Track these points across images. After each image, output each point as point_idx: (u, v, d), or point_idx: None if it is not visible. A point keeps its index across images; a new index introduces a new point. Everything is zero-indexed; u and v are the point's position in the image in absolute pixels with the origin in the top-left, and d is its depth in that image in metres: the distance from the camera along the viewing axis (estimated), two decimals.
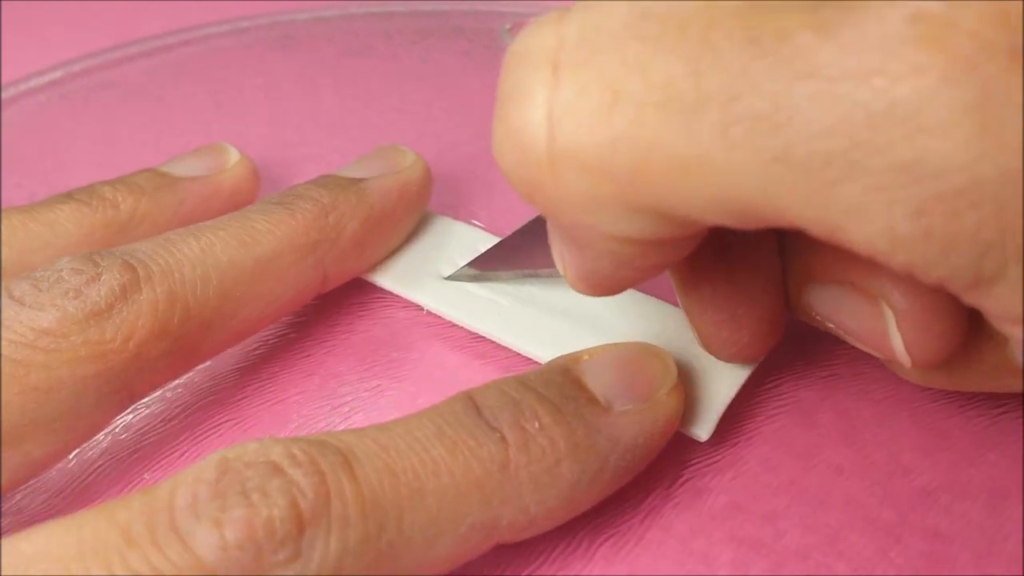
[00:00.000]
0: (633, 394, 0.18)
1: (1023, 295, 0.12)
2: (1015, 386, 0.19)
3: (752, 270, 0.19)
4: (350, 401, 0.22)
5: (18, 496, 0.20)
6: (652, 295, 0.23)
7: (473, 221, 0.26)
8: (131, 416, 0.21)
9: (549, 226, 0.18)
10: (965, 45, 0.11)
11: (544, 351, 0.22)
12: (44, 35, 0.36)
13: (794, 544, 0.19)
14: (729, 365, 0.21)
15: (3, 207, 0.22)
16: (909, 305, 0.17)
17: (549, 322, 0.22)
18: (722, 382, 0.20)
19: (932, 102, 0.11)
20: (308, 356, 0.22)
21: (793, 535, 0.19)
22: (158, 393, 0.22)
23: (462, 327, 0.23)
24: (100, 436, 0.21)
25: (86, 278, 0.18)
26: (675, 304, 0.22)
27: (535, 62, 0.14)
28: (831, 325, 0.19)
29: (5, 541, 0.14)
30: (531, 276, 0.23)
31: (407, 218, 0.24)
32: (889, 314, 0.17)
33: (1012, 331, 0.13)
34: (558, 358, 0.19)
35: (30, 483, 0.20)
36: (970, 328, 0.18)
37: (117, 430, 0.21)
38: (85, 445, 0.21)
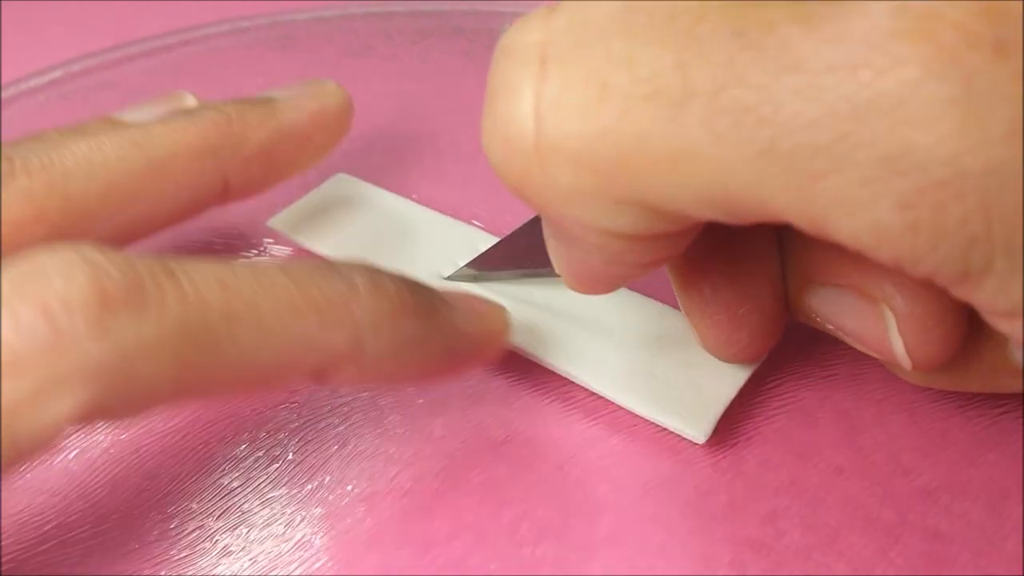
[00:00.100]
0: (474, 308, 0.19)
1: (1012, 289, 0.12)
2: (1015, 386, 0.19)
3: (752, 270, 0.19)
4: (350, 401, 0.22)
5: (16, 495, 0.20)
6: (652, 296, 0.23)
7: (474, 221, 0.26)
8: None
9: (543, 222, 0.18)
10: (949, 38, 0.11)
11: (543, 351, 0.22)
12: (44, 35, 0.36)
13: (794, 544, 0.19)
14: (728, 368, 0.21)
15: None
16: (910, 308, 0.17)
17: (548, 322, 0.22)
18: (720, 385, 0.20)
19: (916, 95, 0.11)
20: None
21: (793, 535, 0.19)
22: None
23: None
24: (100, 436, 0.21)
25: None
26: (674, 306, 0.22)
27: (523, 56, 0.14)
28: (830, 327, 0.19)
29: None
30: (531, 275, 0.23)
31: (322, 139, 0.24)
32: (890, 317, 0.17)
33: (1003, 325, 0.13)
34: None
35: (28, 482, 0.20)
36: (969, 329, 0.18)
37: (117, 430, 0.21)
38: (85, 445, 0.21)
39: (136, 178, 0.20)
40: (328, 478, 0.20)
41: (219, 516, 0.19)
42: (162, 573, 0.18)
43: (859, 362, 0.22)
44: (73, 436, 0.21)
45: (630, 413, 0.21)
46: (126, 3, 0.37)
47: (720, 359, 0.20)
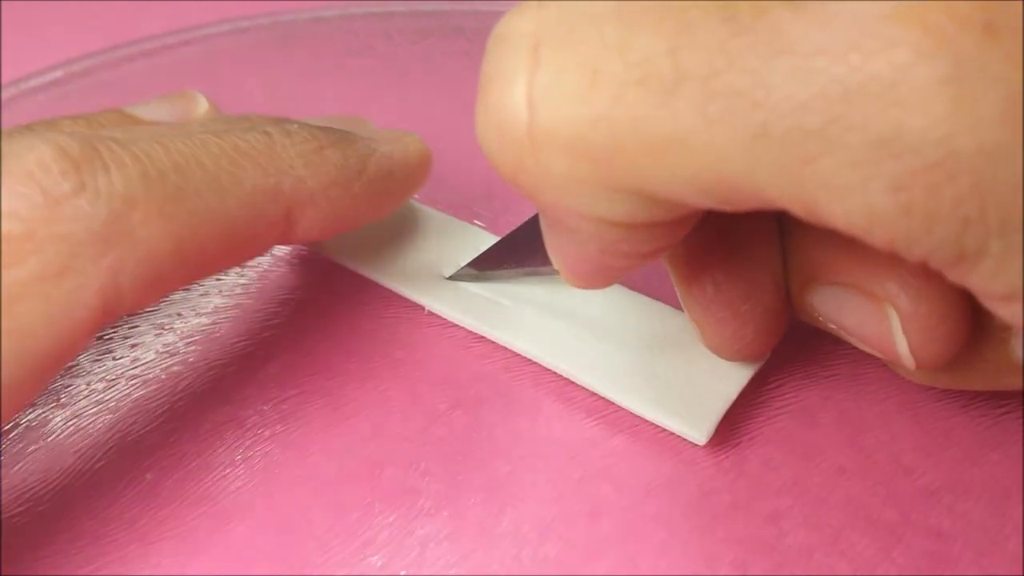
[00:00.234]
0: (383, 134, 0.22)
1: (1008, 271, 0.12)
2: (1016, 384, 0.19)
3: (755, 267, 0.19)
4: (352, 401, 0.22)
5: (24, 493, 0.20)
6: (653, 296, 0.23)
7: (475, 221, 0.26)
8: (134, 417, 0.21)
9: (539, 214, 0.18)
10: (939, 20, 0.11)
11: (544, 351, 0.22)
12: (44, 35, 0.35)
13: (796, 544, 0.19)
14: (729, 369, 0.21)
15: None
16: (915, 308, 0.17)
17: (549, 322, 0.22)
18: (721, 386, 0.20)
19: (907, 77, 0.11)
20: (309, 356, 0.22)
21: (796, 535, 0.19)
22: (159, 395, 0.22)
23: (463, 327, 0.23)
24: (102, 437, 0.21)
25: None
26: (675, 306, 0.22)
27: (515, 44, 0.15)
28: (833, 326, 0.19)
29: None
30: (532, 274, 0.23)
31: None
32: (894, 317, 0.17)
33: (1000, 309, 0.13)
34: None
35: (35, 481, 0.20)
36: (972, 328, 0.18)
37: (118, 427, 0.21)
38: (84, 445, 0.21)
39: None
40: (328, 479, 0.20)
41: (218, 515, 0.19)
42: (163, 573, 0.18)
43: (861, 362, 0.22)
44: (74, 434, 0.21)
45: (632, 413, 0.21)
46: (126, 3, 0.37)
47: (723, 357, 0.20)
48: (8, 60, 0.34)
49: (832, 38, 0.12)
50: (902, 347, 0.18)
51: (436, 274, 0.24)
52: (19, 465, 0.20)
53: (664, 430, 0.20)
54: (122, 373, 0.22)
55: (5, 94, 0.32)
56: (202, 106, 0.25)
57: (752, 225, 0.19)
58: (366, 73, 0.33)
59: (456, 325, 0.23)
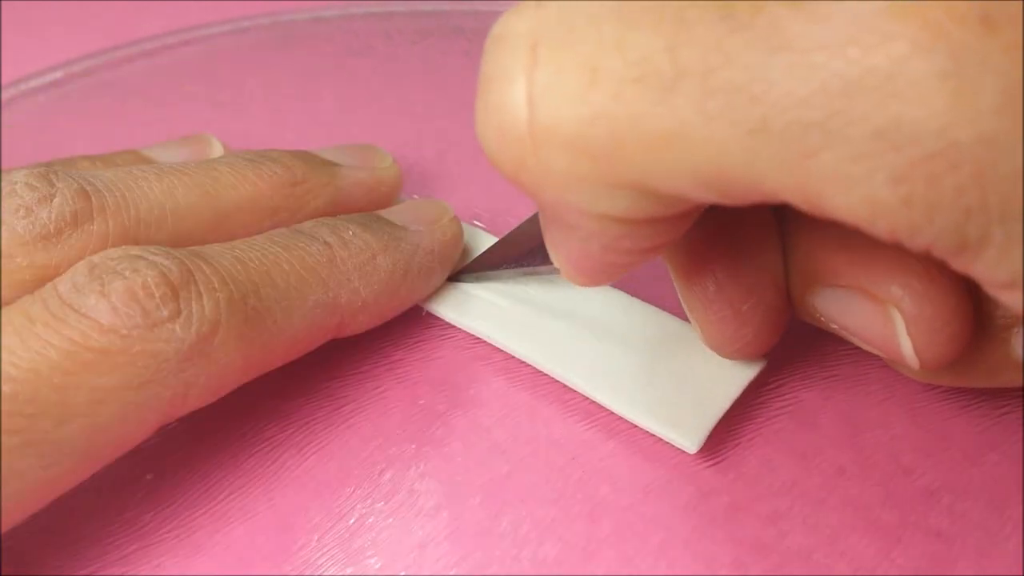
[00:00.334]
0: (422, 222, 0.23)
1: (1011, 259, 0.12)
2: (1015, 380, 0.19)
3: (755, 266, 0.19)
4: (351, 402, 0.22)
5: None
6: (651, 302, 0.23)
7: (475, 222, 0.26)
8: None
9: (539, 212, 0.18)
10: (936, 14, 0.11)
11: (541, 355, 0.22)
12: (44, 35, 0.35)
13: (796, 545, 0.19)
14: (724, 377, 0.21)
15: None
16: (919, 310, 0.17)
17: (548, 324, 0.22)
18: (716, 394, 0.20)
19: (906, 69, 0.12)
20: (309, 358, 0.22)
21: (795, 536, 0.19)
22: None
23: (462, 329, 0.23)
24: None
25: (38, 197, 0.19)
26: (673, 311, 0.22)
27: (514, 44, 0.15)
28: (835, 326, 0.19)
29: None
30: (531, 274, 0.23)
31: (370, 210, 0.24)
32: (899, 318, 0.17)
33: (1004, 297, 0.13)
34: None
35: None
36: (974, 327, 0.18)
37: None
38: None
39: (199, 231, 0.21)
40: (328, 479, 0.20)
41: (218, 515, 0.19)
42: (163, 573, 0.19)
43: (861, 363, 0.22)
44: None
45: None
46: (126, 3, 0.37)
47: (723, 356, 0.20)
48: (8, 60, 0.34)
49: (830, 33, 0.12)
50: (907, 348, 0.18)
51: None
52: None
53: None
54: None
55: (5, 94, 0.32)
56: (216, 151, 0.25)
57: (753, 225, 0.19)
58: (366, 73, 0.33)
59: (455, 327, 0.23)
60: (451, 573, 0.18)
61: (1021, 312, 0.13)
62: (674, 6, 0.13)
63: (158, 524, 0.19)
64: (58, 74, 0.33)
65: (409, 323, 0.23)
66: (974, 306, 0.17)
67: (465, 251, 0.24)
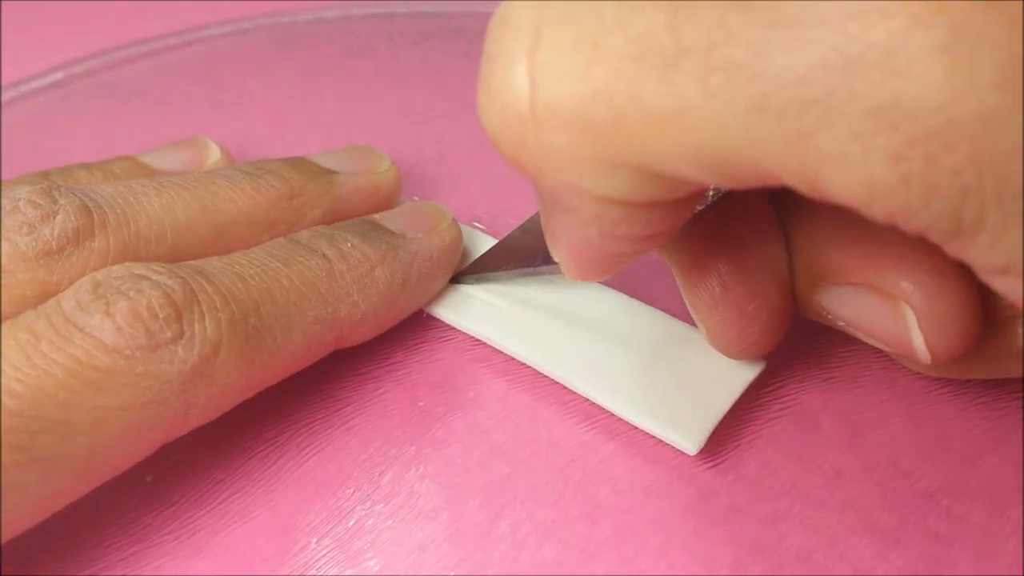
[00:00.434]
0: (421, 227, 0.23)
1: (1006, 243, 0.12)
2: (1017, 371, 0.19)
3: (760, 266, 0.19)
4: (351, 404, 0.22)
5: None
6: (651, 303, 0.23)
7: (474, 223, 0.26)
8: None
9: (539, 199, 0.18)
10: None
11: (541, 356, 0.22)
12: (44, 36, 0.36)
13: (795, 546, 0.19)
14: (723, 379, 0.21)
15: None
16: (931, 305, 0.17)
17: (548, 326, 0.22)
18: (715, 396, 0.20)
19: (905, 44, 0.11)
20: None
21: (794, 537, 0.19)
22: None
23: (462, 331, 0.23)
24: None
25: (41, 214, 0.19)
26: (673, 313, 0.22)
27: (516, 24, 0.15)
28: (843, 323, 0.19)
29: None
30: (532, 274, 0.23)
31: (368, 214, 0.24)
32: (911, 315, 0.17)
33: (998, 283, 0.13)
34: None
35: None
36: (984, 321, 0.18)
37: None
38: None
39: (198, 246, 0.21)
40: (328, 481, 0.20)
41: (218, 517, 0.19)
42: (163, 574, 0.19)
43: (860, 364, 0.22)
44: None
45: None
46: (127, 4, 0.37)
47: (728, 356, 0.20)
48: (8, 61, 0.34)
49: (830, 9, 0.12)
50: (919, 344, 0.18)
51: None
52: None
53: None
54: None
55: (5, 95, 0.32)
56: (213, 154, 0.25)
57: (756, 224, 0.19)
58: (367, 74, 0.33)
59: (455, 328, 0.23)
60: (451, 575, 0.18)
61: (1016, 298, 0.13)
62: None
63: (158, 526, 0.19)
64: (58, 75, 0.33)
65: (409, 325, 0.23)
66: (981, 301, 0.18)
67: (465, 253, 0.24)
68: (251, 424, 0.21)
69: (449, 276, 0.23)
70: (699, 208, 0.19)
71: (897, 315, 0.18)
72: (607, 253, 0.17)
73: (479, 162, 0.28)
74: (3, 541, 0.17)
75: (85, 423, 0.17)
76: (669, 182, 0.14)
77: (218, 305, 0.18)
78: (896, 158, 0.12)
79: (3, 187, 0.20)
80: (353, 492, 0.20)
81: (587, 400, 0.21)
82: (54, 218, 0.19)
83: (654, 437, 0.20)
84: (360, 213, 0.24)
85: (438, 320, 0.23)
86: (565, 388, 0.21)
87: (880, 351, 0.22)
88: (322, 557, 0.19)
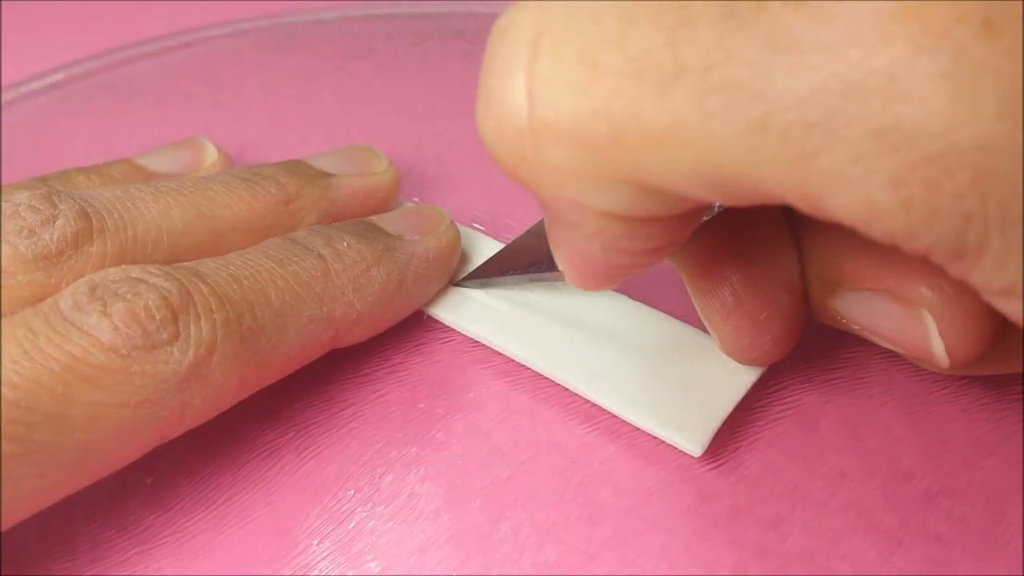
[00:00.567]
0: (418, 230, 0.23)
1: (1008, 267, 0.12)
2: (1019, 366, 0.19)
3: (773, 274, 0.19)
4: (351, 405, 0.22)
5: None
6: (654, 306, 0.23)
7: (474, 225, 0.26)
8: None
9: (543, 211, 0.18)
10: (938, 16, 0.11)
11: (542, 359, 0.22)
12: (45, 37, 0.35)
13: (797, 548, 0.19)
14: (726, 381, 0.21)
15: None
16: (951, 311, 0.17)
17: (549, 328, 0.22)
18: (718, 398, 0.20)
19: (907, 71, 0.11)
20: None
21: (796, 539, 0.19)
22: None
23: (462, 332, 0.23)
24: None
25: (41, 219, 0.19)
26: (677, 316, 0.22)
27: (516, 37, 0.15)
28: (857, 327, 0.19)
29: None
30: (537, 280, 0.23)
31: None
32: (930, 321, 0.17)
33: (1001, 304, 0.13)
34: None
35: None
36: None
37: None
38: None
39: (195, 251, 0.21)
40: (328, 483, 0.20)
41: (218, 519, 0.19)
42: (164, 573, 0.19)
43: (862, 366, 0.22)
44: None
45: None
46: (127, 4, 0.37)
47: (741, 363, 0.20)
48: (8, 62, 0.34)
49: (832, 34, 0.12)
50: (938, 349, 0.18)
51: None
52: None
53: None
54: None
55: (5, 96, 0.32)
56: (211, 155, 0.25)
57: (767, 230, 0.19)
58: (366, 75, 0.33)
59: (455, 330, 0.23)
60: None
61: (1018, 319, 0.13)
62: (676, 3, 0.13)
63: (158, 528, 0.19)
64: (58, 76, 0.33)
65: (409, 326, 0.23)
66: None
67: (464, 255, 0.24)
68: (251, 426, 0.21)
69: (447, 278, 0.23)
70: (707, 217, 0.19)
71: (916, 321, 0.18)
72: (610, 266, 0.17)
73: (479, 163, 0.28)
74: None
75: (81, 418, 0.17)
76: (669, 198, 0.14)
77: (213, 306, 0.18)
78: (897, 182, 0.12)
79: (3, 192, 0.20)
80: (353, 494, 0.20)
81: (588, 402, 0.21)
82: (54, 223, 0.19)
83: (655, 438, 0.20)
84: (358, 215, 0.24)
85: (438, 322, 0.23)
86: (566, 390, 0.21)
87: (882, 352, 0.22)
88: (323, 559, 0.19)
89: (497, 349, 0.22)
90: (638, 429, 0.21)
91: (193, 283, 0.19)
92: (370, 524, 0.19)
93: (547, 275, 0.22)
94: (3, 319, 0.17)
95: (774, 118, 0.12)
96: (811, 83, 0.12)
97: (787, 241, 0.19)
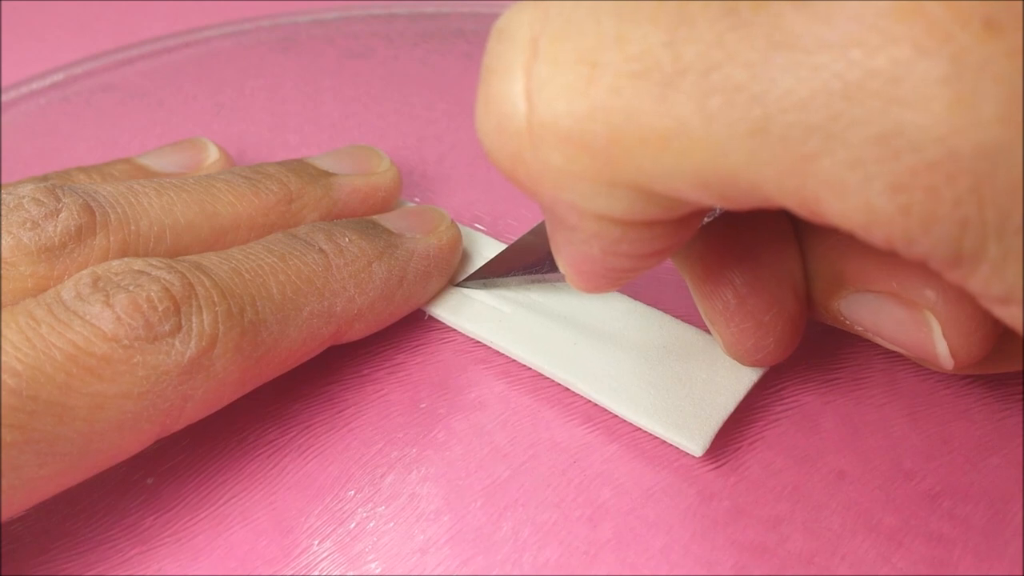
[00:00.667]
0: (419, 229, 0.23)
1: (1006, 274, 0.12)
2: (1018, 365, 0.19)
3: (776, 275, 0.19)
4: (352, 405, 0.22)
5: None
6: (655, 306, 0.23)
7: (475, 225, 0.26)
8: None
9: (543, 213, 0.18)
10: (940, 16, 0.11)
11: (543, 359, 0.22)
12: (45, 37, 0.36)
13: (797, 549, 0.19)
14: (727, 381, 0.21)
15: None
16: (956, 313, 0.17)
17: (549, 329, 0.22)
18: (719, 398, 0.20)
19: (908, 73, 0.11)
20: (309, 362, 0.22)
21: (796, 540, 0.19)
22: None
23: (463, 332, 0.23)
24: None
25: (45, 211, 0.19)
26: (678, 316, 0.22)
27: (515, 38, 0.14)
28: (860, 329, 0.19)
29: None
30: (538, 281, 0.23)
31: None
32: (935, 323, 0.17)
33: (998, 311, 0.13)
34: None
35: None
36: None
37: None
38: None
39: (196, 247, 0.21)
40: (329, 483, 0.20)
41: (219, 519, 0.19)
42: (165, 573, 0.19)
43: (861, 367, 0.22)
44: None
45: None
46: (127, 4, 0.37)
47: (743, 364, 0.20)
48: (9, 62, 0.34)
49: (833, 33, 0.12)
50: (943, 351, 0.18)
51: None
52: None
53: None
54: None
55: (6, 96, 0.32)
56: (212, 155, 0.25)
57: (770, 232, 0.19)
58: (367, 75, 0.33)
59: (456, 330, 0.23)
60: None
61: (1016, 325, 0.13)
62: (676, 2, 0.13)
63: (159, 528, 0.19)
64: (59, 76, 0.33)
65: (410, 326, 0.23)
66: None
67: (466, 255, 0.24)
68: (252, 426, 0.21)
69: (447, 277, 0.23)
70: (709, 218, 0.19)
71: (921, 323, 0.18)
72: (610, 268, 0.17)
73: (480, 163, 0.28)
74: None
75: (82, 408, 0.17)
76: (668, 202, 0.14)
77: (215, 299, 0.18)
78: (896, 187, 0.12)
79: (7, 187, 0.20)
80: (354, 494, 0.20)
81: (588, 402, 0.21)
82: (57, 216, 0.19)
83: (656, 439, 0.20)
84: (359, 215, 0.24)
85: (440, 322, 0.23)
86: (567, 390, 0.21)
87: (883, 352, 0.22)
88: (323, 559, 0.19)
89: (498, 349, 0.22)
90: (639, 429, 0.21)
91: (195, 276, 0.19)
92: (371, 524, 0.19)
93: (549, 276, 0.22)
94: (4, 308, 0.17)
95: (774, 120, 0.12)
96: (812, 84, 0.12)
97: (790, 242, 0.19)
